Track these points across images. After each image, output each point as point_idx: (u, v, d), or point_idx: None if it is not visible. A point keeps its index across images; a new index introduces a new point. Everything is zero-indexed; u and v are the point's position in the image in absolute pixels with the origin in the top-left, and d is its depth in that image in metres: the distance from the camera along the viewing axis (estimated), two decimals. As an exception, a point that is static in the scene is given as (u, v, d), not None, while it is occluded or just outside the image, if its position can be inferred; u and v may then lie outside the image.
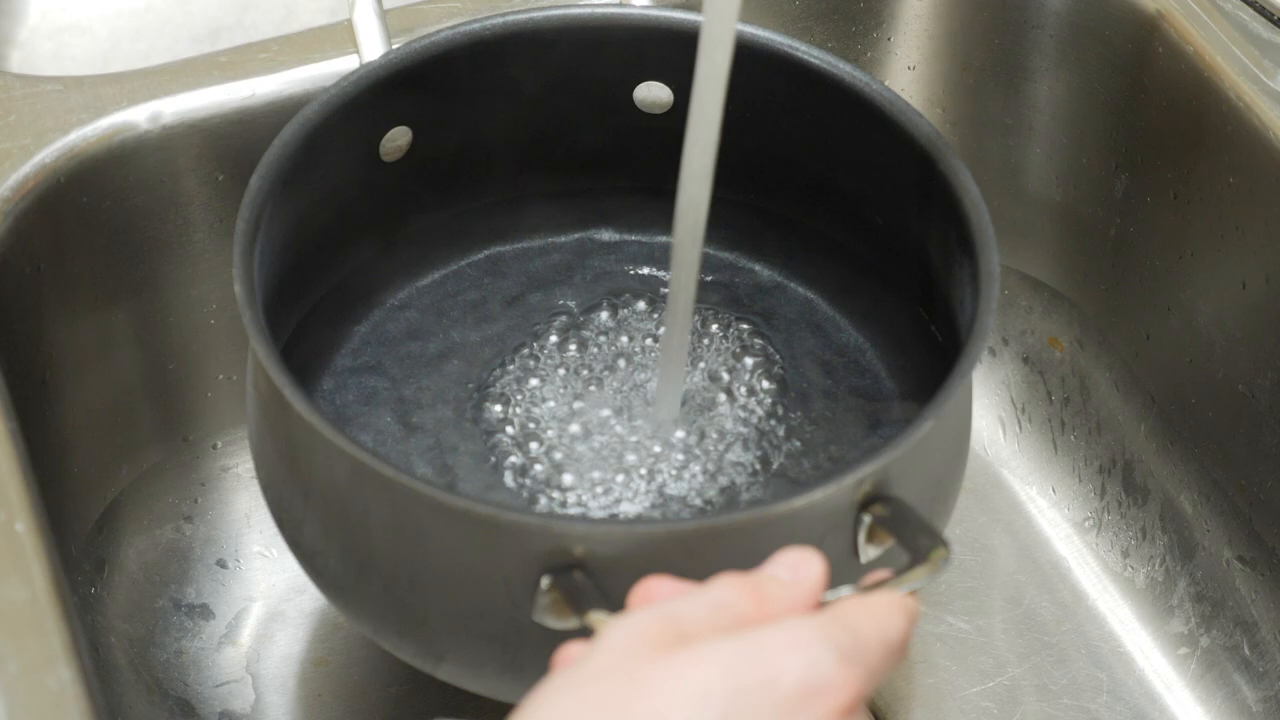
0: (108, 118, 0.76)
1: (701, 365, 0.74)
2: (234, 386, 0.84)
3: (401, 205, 0.76)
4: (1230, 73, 0.77)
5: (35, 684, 0.58)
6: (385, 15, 0.74)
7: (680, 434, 0.71)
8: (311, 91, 0.76)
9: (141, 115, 0.76)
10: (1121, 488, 0.87)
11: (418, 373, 0.74)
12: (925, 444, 0.60)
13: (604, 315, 0.76)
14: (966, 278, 0.66)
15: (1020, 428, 0.91)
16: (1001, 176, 0.88)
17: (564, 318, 0.76)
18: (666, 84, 0.75)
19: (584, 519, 0.68)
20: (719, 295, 0.77)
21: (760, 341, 0.75)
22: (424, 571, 0.61)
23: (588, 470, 0.70)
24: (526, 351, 0.74)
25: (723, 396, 0.73)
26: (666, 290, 0.67)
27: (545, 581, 0.57)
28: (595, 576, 0.57)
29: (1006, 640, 0.83)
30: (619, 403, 0.72)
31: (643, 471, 0.70)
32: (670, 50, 0.73)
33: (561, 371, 0.74)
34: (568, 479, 0.70)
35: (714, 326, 0.75)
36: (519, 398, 0.73)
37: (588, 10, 0.74)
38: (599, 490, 0.69)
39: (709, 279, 0.77)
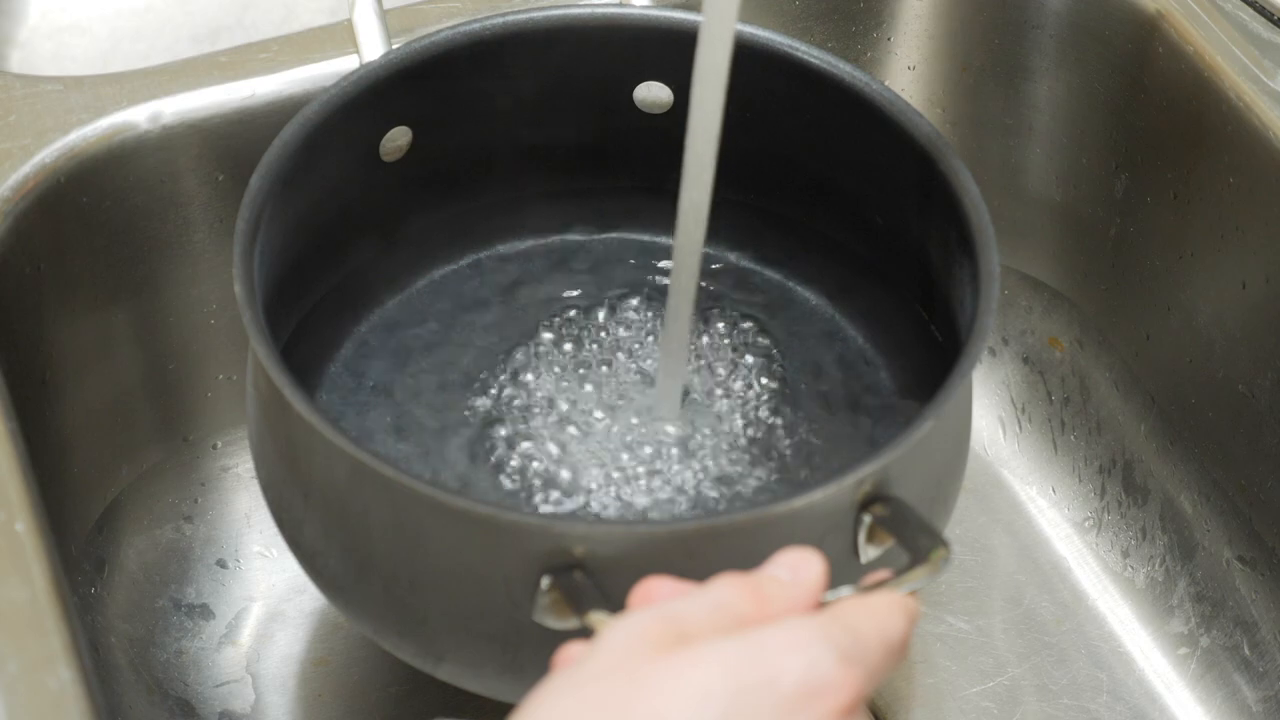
0: (108, 118, 0.76)
1: (702, 365, 0.74)
2: (234, 386, 0.84)
3: (401, 205, 0.76)
4: (1230, 73, 0.77)
5: (35, 684, 0.58)
6: (385, 15, 0.74)
7: (680, 433, 0.71)
8: (311, 91, 0.76)
9: (141, 115, 0.76)
10: (1121, 488, 0.87)
11: (418, 372, 0.74)
12: (925, 444, 0.60)
13: (604, 315, 0.76)
14: (966, 278, 0.66)
15: (1020, 428, 0.91)
16: (1001, 176, 0.88)
17: (564, 317, 0.76)
18: (666, 84, 0.75)
19: (584, 519, 0.68)
20: (719, 295, 0.77)
21: (760, 341, 0.75)
22: (424, 571, 0.61)
23: (588, 470, 0.70)
24: (526, 351, 0.74)
25: (723, 396, 0.73)
26: (667, 290, 0.67)
27: (545, 581, 0.57)
28: (595, 576, 0.57)
29: (1006, 640, 0.83)
30: (619, 402, 0.72)
31: (643, 471, 0.70)
32: (670, 50, 0.73)
33: (562, 371, 0.74)
34: (568, 479, 0.70)
35: (714, 326, 0.75)
36: (519, 397, 0.73)
37: (588, 10, 0.74)
38: (599, 490, 0.69)
39: (709, 279, 0.77)
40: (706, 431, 0.71)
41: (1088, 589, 0.85)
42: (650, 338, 0.75)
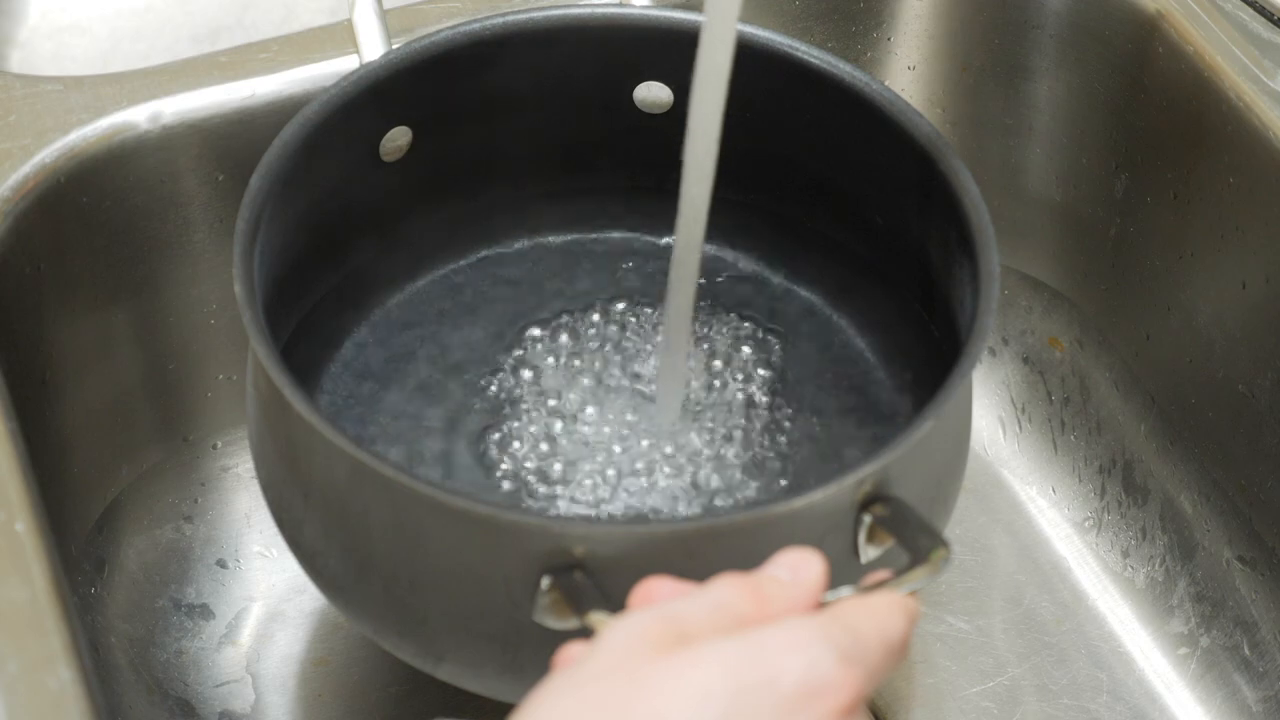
0: (108, 118, 0.76)
1: (702, 365, 0.74)
2: (234, 386, 0.84)
3: (401, 205, 0.76)
4: (1230, 73, 0.77)
5: (35, 684, 0.58)
6: (385, 15, 0.74)
7: (681, 433, 0.71)
8: (311, 91, 0.76)
9: (141, 115, 0.76)
10: (1121, 488, 0.87)
11: (417, 372, 0.74)
12: (925, 444, 0.60)
13: (603, 315, 0.76)
14: (966, 278, 0.66)
15: (1020, 428, 0.91)
16: (1001, 176, 0.88)
17: (563, 318, 0.76)
18: (666, 84, 0.75)
19: (584, 519, 0.68)
20: (719, 295, 0.77)
21: (760, 341, 0.75)
22: (424, 571, 0.61)
23: (588, 470, 0.70)
24: (526, 351, 0.74)
25: (723, 396, 0.73)
26: (667, 290, 0.67)
27: (545, 582, 0.57)
28: (595, 576, 0.57)
29: (1006, 640, 0.83)
30: (620, 402, 0.72)
31: (643, 471, 0.70)
32: (670, 50, 0.73)
33: (561, 371, 0.74)
34: (568, 479, 0.70)
35: (714, 326, 0.75)
36: (519, 397, 0.73)
37: (588, 10, 0.74)
38: (599, 490, 0.69)
39: (709, 279, 0.77)
40: (706, 431, 0.71)
41: (1088, 589, 0.85)
42: (650, 338, 0.75)
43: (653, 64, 0.75)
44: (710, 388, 0.73)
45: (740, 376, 0.74)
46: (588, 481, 0.70)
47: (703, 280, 0.76)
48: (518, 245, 0.79)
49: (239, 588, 0.83)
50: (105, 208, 0.76)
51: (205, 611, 0.82)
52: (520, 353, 0.74)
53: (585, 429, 0.71)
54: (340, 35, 0.79)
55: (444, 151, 0.75)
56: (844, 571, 0.57)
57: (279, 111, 0.77)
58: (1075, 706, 0.81)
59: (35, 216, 0.74)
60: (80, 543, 0.79)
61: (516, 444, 0.71)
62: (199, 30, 0.94)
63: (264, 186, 0.66)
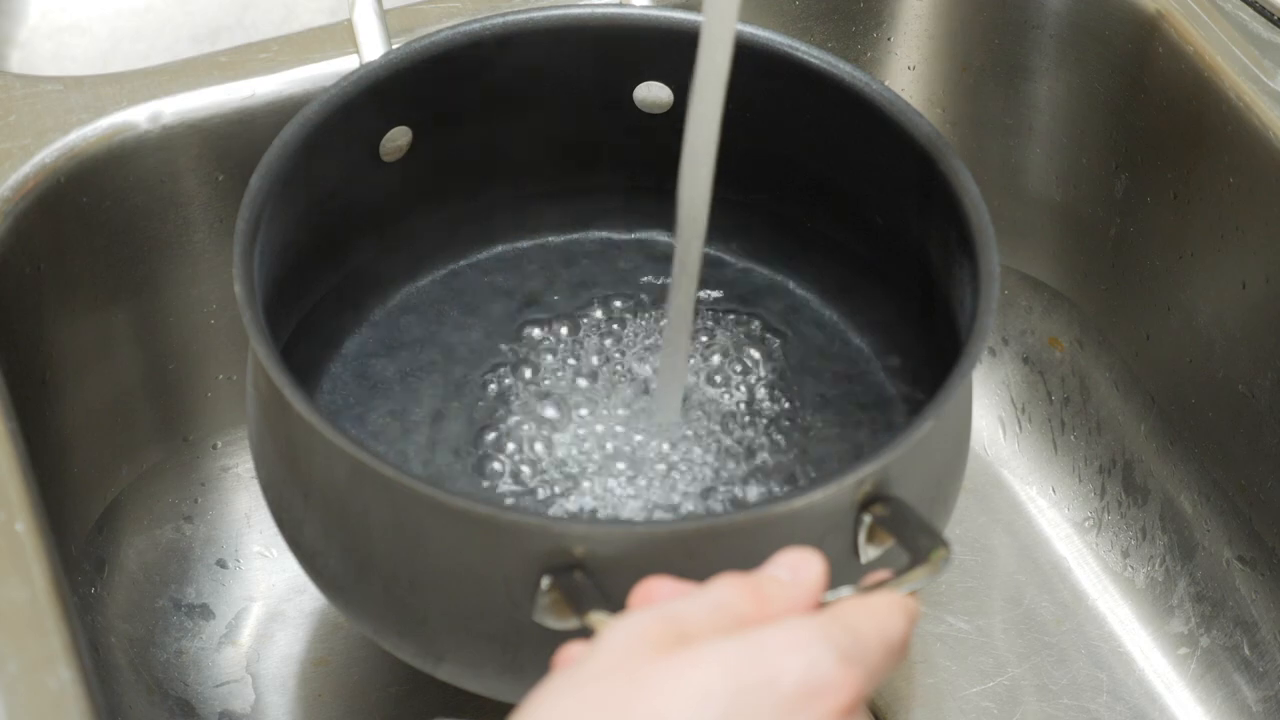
0: (108, 118, 0.76)
1: (702, 365, 0.74)
2: (234, 386, 0.84)
3: (401, 205, 0.76)
4: (1230, 73, 0.77)
5: (35, 684, 0.58)
6: (385, 15, 0.74)
7: (681, 433, 0.71)
8: (311, 91, 0.76)
9: (141, 115, 0.76)
10: (1121, 488, 0.87)
11: (417, 372, 0.74)
12: (925, 444, 0.60)
13: (604, 315, 0.76)
14: (966, 278, 0.66)
15: (1020, 428, 0.90)
16: (1001, 176, 0.88)
17: (564, 317, 0.76)
18: (666, 84, 0.75)
19: (584, 519, 0.68)
20: (719, 295, 0.77)
21: (760, 341, 0.75)
22: (424, 571, 0.61)
23: (588, 470, 0.70)
24: (526, 351, 0.74)
25: (723, 396, 0.73)
26: (667, 290, 0.67)
27: (545, 582, 0.57)
28: (595, 577, 0.57)
29: (1006, 640, 0.83)
30: (620, 402, 0.72)
31: (643, 471, 0.70)
32: (670, 50, 0.73)
33: (561, 371, 0.74)
34: (568, 479, 0.70)
35: (714, 326, 0.75)
36: (519, 397, 0.73)
37: (588, 10, 0.74)
38: (599, 490, 0.69)
39: (709, 279, 0.77)
40: (706, 431, 0.71)
41: (1088, 589, 0.85)
42: (650, 338, 0.75)
43: (653, 64, 0.75)
44: (710, 388, 0.73)
45: (740, 377, 0.74)
46: (587, 481, 0.70)
47: (703, 280, 0.76)
48: (518, 245, 0.79)
49: (239, 588, 0.83)
50: (105, 208, 0.76)
51: (205, 611, 0.82)
52: (520, 353, 0.74)
53: (585, 429, 0.71)
54: (340, 35, 0.79)
55: (444, 151, 0.75)
56: (844, 571, 0.57)
57: (279, 111, 0.77)
58: (1075, 706, 0.81)
59: (35, 216, 0.74)
60: (80, 543, 0.79)
61: (516, 443, 0.71)
62: (199, 30, 0.94)
63: (264, 186, 0.66)
